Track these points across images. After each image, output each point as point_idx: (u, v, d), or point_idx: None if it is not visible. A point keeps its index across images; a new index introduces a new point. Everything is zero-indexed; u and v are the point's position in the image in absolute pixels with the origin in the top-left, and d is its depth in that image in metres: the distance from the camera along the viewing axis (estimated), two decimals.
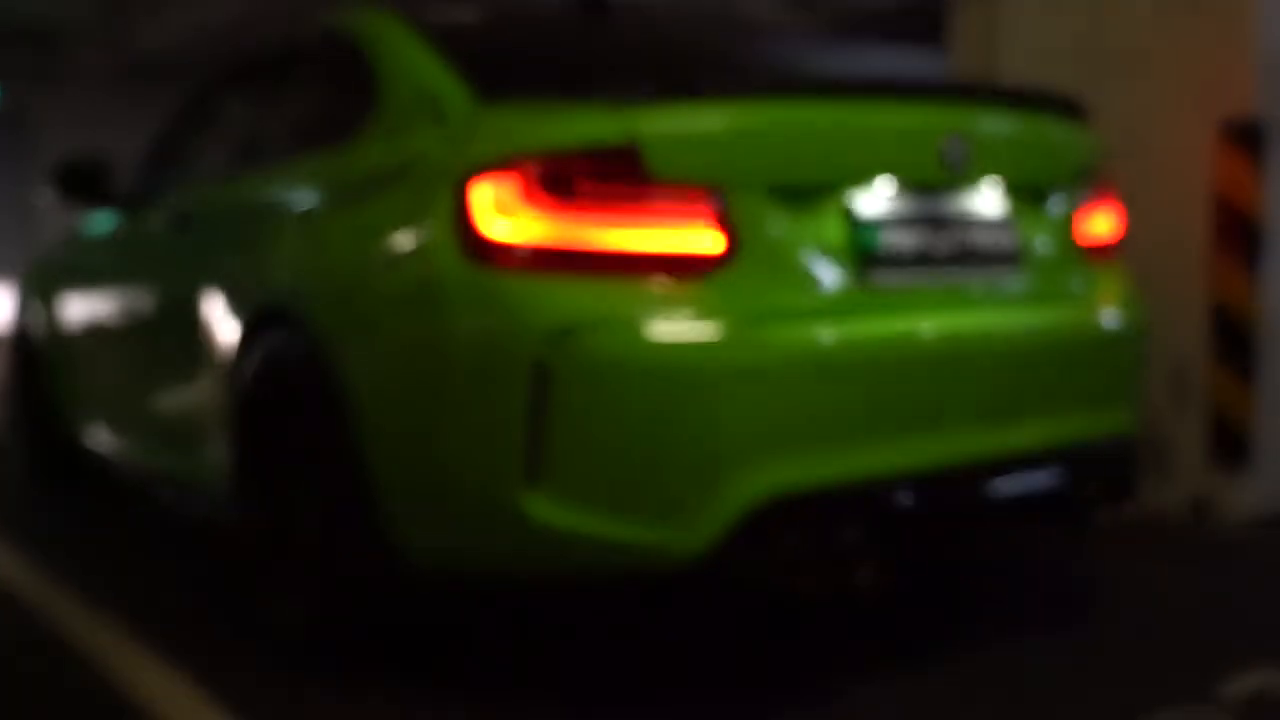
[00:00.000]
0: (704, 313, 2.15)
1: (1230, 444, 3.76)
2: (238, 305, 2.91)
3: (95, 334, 4.07)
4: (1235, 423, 3.75)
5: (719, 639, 2.79)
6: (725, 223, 2.20)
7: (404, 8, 3.01)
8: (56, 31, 12.65)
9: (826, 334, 2.24)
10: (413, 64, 2.67)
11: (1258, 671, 2.50)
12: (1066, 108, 2.71)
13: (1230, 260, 3.71)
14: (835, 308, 2.28)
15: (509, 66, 2.84)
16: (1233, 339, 3.74)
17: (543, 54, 3.00)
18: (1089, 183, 2.73)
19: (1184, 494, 3.86)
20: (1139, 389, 2.81)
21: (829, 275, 2.30)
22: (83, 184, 3.96)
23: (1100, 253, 2.79)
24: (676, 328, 2.13)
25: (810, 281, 2.27)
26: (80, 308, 4.20)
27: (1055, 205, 2.68)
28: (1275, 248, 3.72)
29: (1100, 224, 2.80)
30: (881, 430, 2.27)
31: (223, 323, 2.98)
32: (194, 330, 3.13)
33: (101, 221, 4.20)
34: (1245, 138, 3.69)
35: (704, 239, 2.19)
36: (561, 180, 2.16)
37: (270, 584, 2.74)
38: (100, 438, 4.09)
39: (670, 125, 2.20)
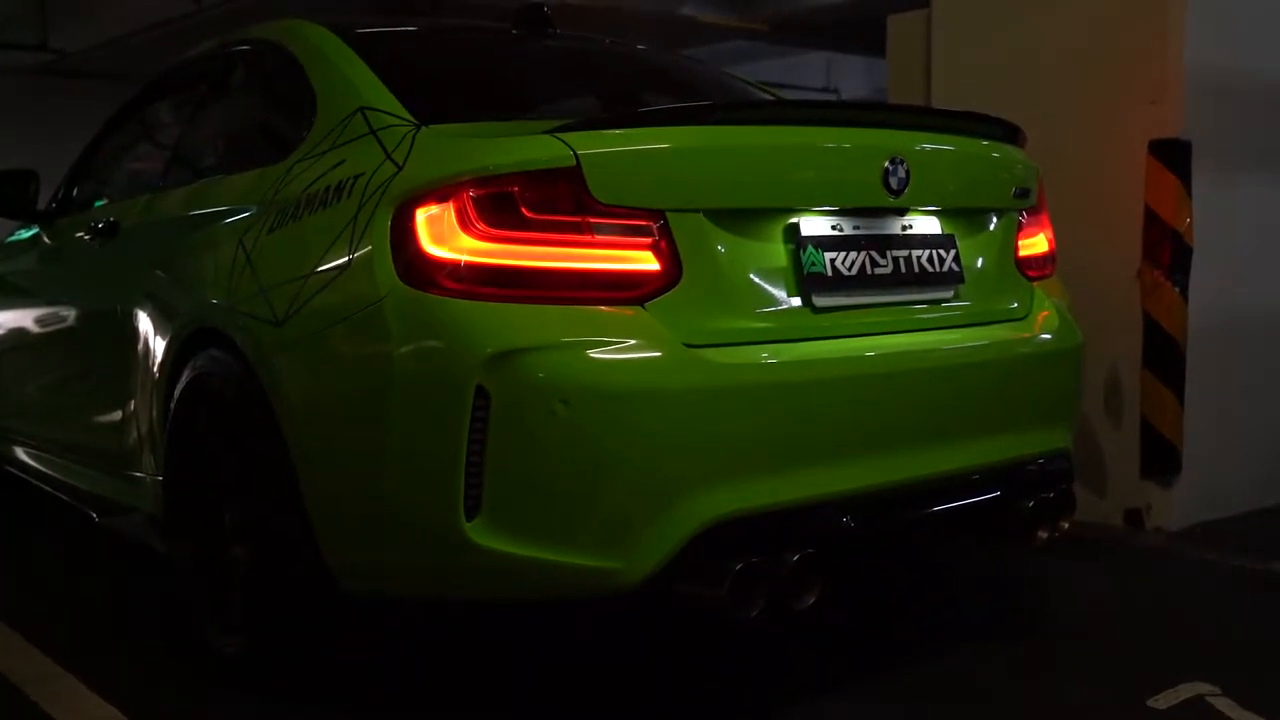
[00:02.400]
0: (646, 336, 2.14)
1: (1162, 455, 3.84)
2: (169, 323, 2.84)
3: (19, 350, 3.96)
4: (1166, 433, 3.83)
5: (665, 661, 2.78)
6: (668, 246, 2.18)
7: (336, 19, 2.97)
8: None
9: (770, 357, 2.24)
10: (350, 82, 2.63)
11: (1189, 683, 2.55)
12: (1003, 130, 2.74)
13: (1160, 275, 3.78)
14: (779, 331, 2.28)
15: (448, 86, 2.81)
16: (1163, 351, 3.82)
17: (483, 72, 2.98)
18: (1026, 203, 2.77)
19: (1118, 505, 3.93)
20: (1077, 405, 2.86)
21: (772, 298, 2.29)
22: (7, 196, 3.85)
23: (1038, 272, 2.83)
24: (618, 351, 2.11)
25: (754, 304, 2.27)
26: (2, 322, 4.08)
27: (994, 226, 2.70)
28: (1203, 262, 3.81)
29: (1037, 243, 2.84)
30: (825, 452, 2.28)
31: (153, 341, 2.91)
32: (123, 348, 3.05)
33: (27, 234, 4.08)
34: (1173, 155, 3.76)
35: (646, 262, 2.18)
36: (502, 203, 2.14)
37: (202, 608, 2.68)
38: (25, 456, 3.98)
39: (612, 148, 2.18)
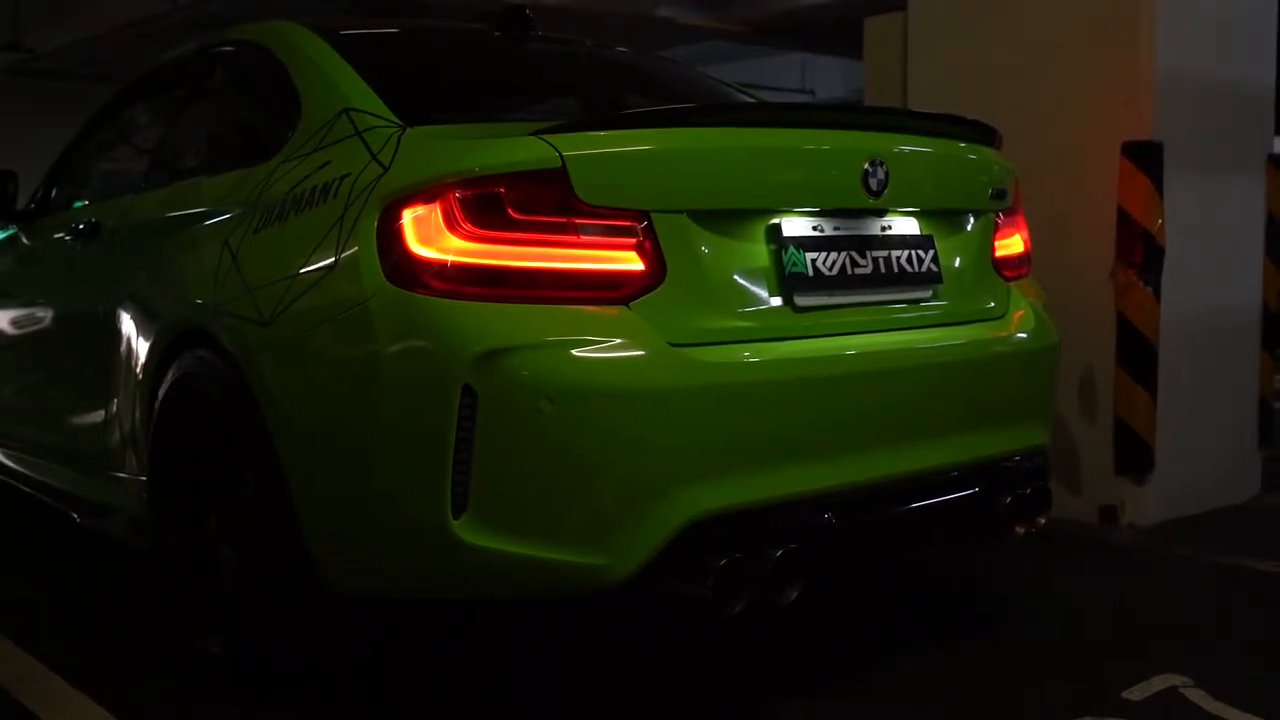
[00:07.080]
0: (631, 335, 2.16)
1: (1135, 452, 3.89)
2: (153, 323, 2.84)
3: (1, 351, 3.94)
4: (1140, 431, 3.88)
5: (643, 658, 2.81)
6: (652, 246, 2.21)
7: (320, 20, 2.98)
8: None
9: (753, 356, 2.26)
10: (334, 83, 2.64)
11: (1163, 675, 2.59)
12: (980, 132, 2.78)
13: (1133, 274, 3.84)
14: (761, 330, 2.31)
15: (433, 87, 2.83)
16: (1136, 350, 3.87)
17: (467, 74, 2.99)
18: (1003, 204, 2.81)
19: (1092, 501, 3.98)
20: (1053, 403, 2.90)
21: (755, 297, 2.32)
22: None
23: (1014, 272, 2.87)
24: (604, 351, 2.14)
25: (737, 304, 2.30)
26: None
27: (971, 226, 2.75)
28: (1175, 262, 3.87)
29: (1013, 244, 2.88)
30: (807, 449, 2.31)
31: (137, 341, 2.91)
32: (106, 348, 3.05)
33: (2, 235, 4.06)
34: (1145, 157, 3.82)
35: (631, 262, 2.20)
36: (488, 204, 2.16)
37: (189, 611, 2.69)
38: (5, 458, 3.96)
39: (597, 150, 2.20)
